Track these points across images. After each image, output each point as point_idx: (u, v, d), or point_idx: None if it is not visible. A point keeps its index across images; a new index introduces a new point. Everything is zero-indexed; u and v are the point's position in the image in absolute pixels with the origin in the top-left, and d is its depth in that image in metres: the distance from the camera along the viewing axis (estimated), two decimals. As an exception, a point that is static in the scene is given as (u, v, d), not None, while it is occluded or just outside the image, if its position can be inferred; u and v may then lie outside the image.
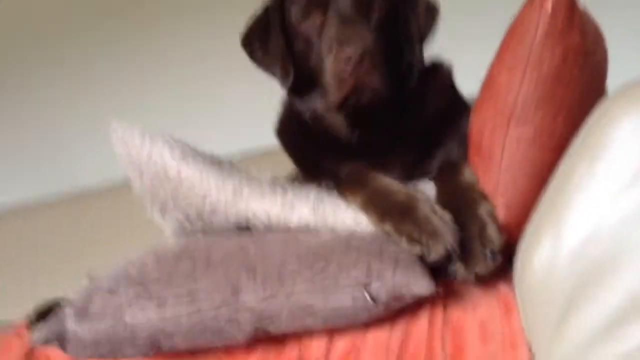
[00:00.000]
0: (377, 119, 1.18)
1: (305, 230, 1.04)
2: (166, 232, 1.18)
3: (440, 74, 1.27)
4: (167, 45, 2.57)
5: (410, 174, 1.17)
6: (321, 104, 1.21)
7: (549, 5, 0.90)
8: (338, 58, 1.08)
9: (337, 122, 1.21)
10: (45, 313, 1.07)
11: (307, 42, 1.18)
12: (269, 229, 1.07)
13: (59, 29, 2.74)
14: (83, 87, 2.70)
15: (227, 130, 2.26)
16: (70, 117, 2.72)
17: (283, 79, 1.22)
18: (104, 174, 1.92)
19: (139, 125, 1.14)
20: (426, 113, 1.21)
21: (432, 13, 1.24)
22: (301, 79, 1.22)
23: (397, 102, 1.18)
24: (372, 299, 0.89)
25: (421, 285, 0.90)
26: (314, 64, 1.16)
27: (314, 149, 1.26)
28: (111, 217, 1.99)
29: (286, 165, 1.32)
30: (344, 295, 0.90)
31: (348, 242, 0.97)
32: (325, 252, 0.95)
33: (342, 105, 1.14)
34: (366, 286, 0.90)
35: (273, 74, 1.24)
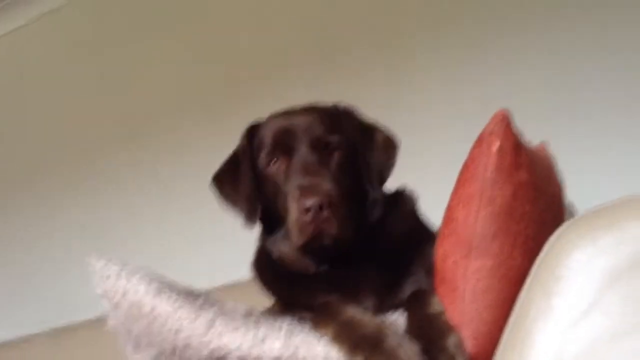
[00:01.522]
0: (342, 254, 1.21)
1: (278, 364, 1.04)
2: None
3: (403, 202, 1.31)
4: (151, 184, 2.67)
5: (382, 303, 1.18)
6: (286, 245, 1.25)
7: (495, 147, 0.97)
8: (299, 208, 1.14)
9: (302, 261, 1.24)
10: None
11: (274, 185, 1.24)
12: (242, 363, 1.06)
13: (43, 162, 2.85)
14: (64, 225, 2.77)
15: (209, 263, 2.29)
16: (55, 253, 2.76)
17: (248, 219, 1.27)
18: (88, 311, 1.92)
19: (122, 258, 1.18)
20: (391, 241, 1.25)
21: (390, 148, 1.31)
22: (269, 219, 1.27)
23: (361, 235, 1.22)
24: None
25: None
26: (280, 206, 1.22)
27: (286, 284, 1.28)
28: (91, 354, 1.96)
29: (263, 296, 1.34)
30: None
31: (318, 378, 0.96)
32: (295, 389, 0.94)
33: (304, 249, 1.19)
34: None
35: (239, 213, 1.29)
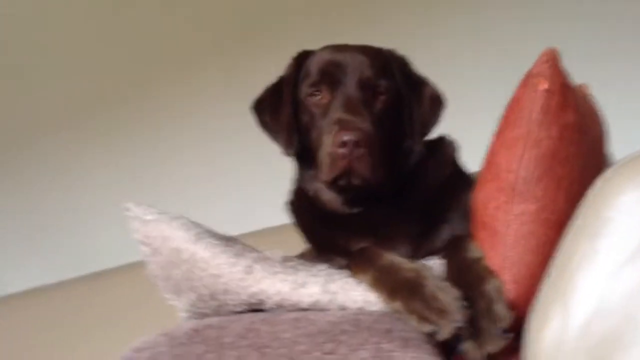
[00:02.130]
0: (374, 197, 1.20)
1: (316, 309, 1.06)
2: (180, 312, 1.20)
3: (443, 149, 1.29)
4: (184, 128, 2.66)
5: (418, 248, 1.18)
6: (317, 180, 1.23)
7: (542, 88, 0.94)
8: (335, 140, 1.12)
9: (332, 198, 1.23)
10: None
11: (312, 117, 1.22)
12: (281, 307, 1.08)
13: (74, 111, 2.86)
14: (99, 170, 2.80)
15: (241, 210, 2.30)
16: (88, 199, 2.80)
17: (286, 148, 1.26)
18: (123, 255, 1.96)
19: (155, 206, 1.19)
20: (428, 187, 1.23)
21: (437, 104, 1.28)
22: (305, 156, 1.25)
23: (397, 179, 1.20)
24: (382, 380, 0.89)
25: (430, 365, 0.90)
26: (315, 139, 1.20)
27: (322, 225, 1.28)
28: (129, 298, 2.01)
29: (299, 241, 1.34)
30: (354, 377, 0.90)
31: (357, 321, 0.97)
32: (334, 332, 0.96)
33: (332, 185, 1.17)
34: (376, 367, 0.90)
35: (277, 141, 1.28)
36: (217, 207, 2.40)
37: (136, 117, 2.76)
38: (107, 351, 1.13)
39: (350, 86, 1.19)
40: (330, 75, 1.21)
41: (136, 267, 1.30)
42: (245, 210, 2.21)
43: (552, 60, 0.95)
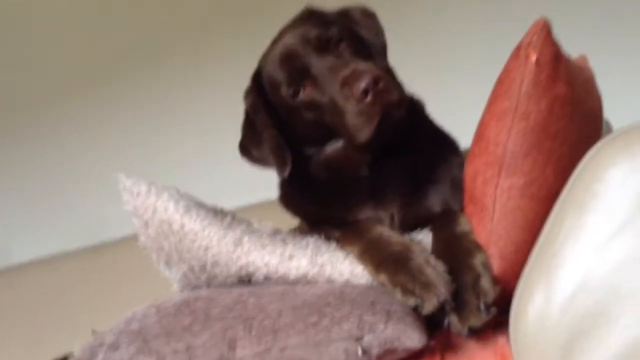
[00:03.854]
0: (390, 150, 1.17)
1: (303, 281, 1.06)
2: (173, 283, 1.21)
3: (414, 107, 1.25)
4: (175, 102, 2.67)
5: (409, 212, 1.17)
6: (338, 150, 1.19)
7: (533, 58, 0.92)
8: (356, 96, 1.07)
9: (357, 159, 1.19)
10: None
11: (316, 107, 1.16)
12: (269, 280, 1.09)
13: (77, 81, 2.87)
14: (96, 145, 2.82)
15: (232, 183, 2.31)
16: (85, 172, 2.82)
17: (281, 168, 1.21)
18: (120, 228, 1.98)
19: (147, 177, 1.19)
20: (412, 143, 1.20)
21: (370, 17, 1.26)
22: (307, 144, 1.23)
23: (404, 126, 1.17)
24: (364, 352, 0.90)
25: (413, 338, 0.90)
26: (330, 120, 1.15)
27: (318, 199, 1.27)
28: (125, 269, 2.04)
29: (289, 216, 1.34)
30: (337, 350, 0.91)
31: (342, 294, 0.98)
32: (319, 304, 0.96)
33: (377, 134, 1.10)
34: (358, 339, 0.91)
35: (271, 167, 1.24)
36: (215, 178, 2.41)
37: (138, 88, 2.76)
38: (106, 321, 1.14)
39: (316, 58, 1.15)
40: (295, 66, 1.16)
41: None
42: (242, 183, 2.21)
43: (543, 31, 0.92)
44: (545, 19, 0.94)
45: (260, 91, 1.24)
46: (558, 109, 0.93)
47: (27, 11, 2.88)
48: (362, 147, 1.13)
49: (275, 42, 1.23)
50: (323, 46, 1.16)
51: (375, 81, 1.06)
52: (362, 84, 1.06)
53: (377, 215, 1.17)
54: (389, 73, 1.19)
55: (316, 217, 1.27)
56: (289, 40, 1.19)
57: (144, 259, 1.26)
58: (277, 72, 1.19)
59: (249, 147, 1.27)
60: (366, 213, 1.18)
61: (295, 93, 1.17)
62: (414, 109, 1.24)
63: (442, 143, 1.23)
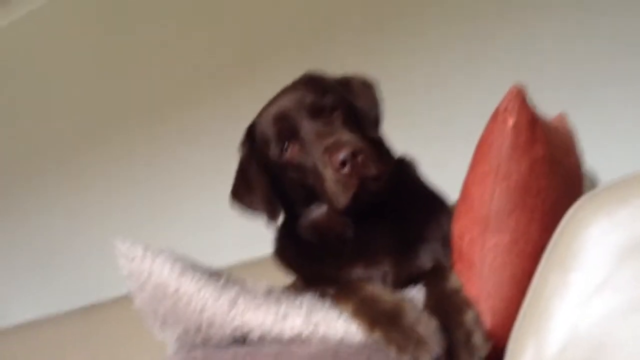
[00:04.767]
0: (374, 213, 1.20)
1: (298, 341, 1.07)
2: (168, 345, 1.22)
3: (406, 167, 1.31)
4: (170, 162, 2.70)
5: (401, 271, 1.19)
6: (323, 214, 1.24)
7: (510, 122, 0.97)
8: (334, 166, 1.12)
9: (341, 223, 1.23)
10: None
11: (297, 168, 1.22)
12: (263, 340, 1.10)
13: (72, 144, 2.91)
14: (98, 203, 2.83)
15: (228, 242, 2.33)
16: (79, 235, 2.83)
17: (270, 218, 1.26)
18: (113, 289, 1.98)
19: (143, 239, 1.21)
20: (401, 202, 1.24)
21: (369, 89, 1.31)
22: (295, 202, 1.27)
23: (386, 193, 1.20)
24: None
25: (408, 397, 0.91)
26: (312, 182, 1.20)
27: (310, 258, 1.29)
28: (121, 329, 2.03)
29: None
30: (333, 411, 0.92)
31: (337, 354, 0.99)
32: (315, 365, 0.97)
33: (353, 203, 1.15)
34: (354, 400, 0.91)
35: (260, 215, 1.28)
36: (211, 236, 2.43)
37: (131, 149, 2.80)
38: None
39: (307, 122, 1.21)
40: (285, 127, 1.22)
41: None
42: (238, 240, 2.22)
43: (518, 98, 0.98)
44: (519, 85, 1.00)
45: (252, 145, 1.29)
46: (538, 169, 0.98)
47: (19, 72, 2.94)
48: (343, 211, 1.18)
49: (272, 101, 1.29)
50: (316, 112, 1.21)
51: (354, 154, 1.11)
52: (341, 156, 1.11)
53: (369, 275, 1.19)
54: (377, 145, 1.24)
55: (309, 275, 1.29)
56: (285, 102, 1.25)
57: (140, 320, 1.27)
58: (268, 129, 1.25)
59: (241, 194, 1.31)
60: (357, 273, 1.20)
61: (282, 151, 1.23)
62: (404, 170, 1.29)
63: (431, 202, 1.27)
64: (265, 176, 1.26)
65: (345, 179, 1.12)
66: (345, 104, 1.25)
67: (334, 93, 1.25)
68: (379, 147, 1.24)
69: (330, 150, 1.14)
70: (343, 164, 1.11)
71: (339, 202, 1.15)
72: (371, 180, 1.13)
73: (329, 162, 1.13)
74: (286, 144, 1.22)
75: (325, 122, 1.21)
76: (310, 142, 1.19)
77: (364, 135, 1.20)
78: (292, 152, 1.22)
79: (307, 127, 1.20)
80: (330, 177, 1.15)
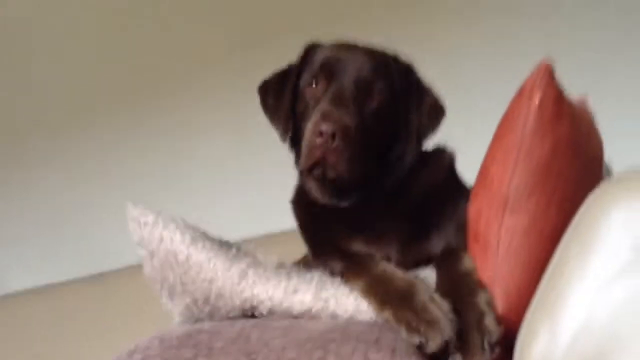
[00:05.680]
0: (358, 193, 1.21)
1: (307, 316, 1.06)
2: (175, 315, 1.21)
3: (440, 157, 1.30)
4: (183, 133, 2.69)
5: (406, 249, 1.19)
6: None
7: (536, 99, 0.94)
8: (314, 130, 1.13)
9: (312, 188, 1.26)
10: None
11: (306, 107, 1.24)
12: (272, 313, 1.09)
13: (82, 110, 2.89)
14: (106, 170, 2.83)
15: (240, 214, 2.32)
16: (90, 199, 2.83)
17: (283, 133, 1.29)
18: (124, 257, 1.98)
19: (154, 207, 1.20)
20: (419, 189, 1.24)
21: (437, 114, 1.28)
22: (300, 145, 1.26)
23: (387, 180, 1.22)
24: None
25: (417, 376, 0.90)
26: (304, 128, 1.21)
27: (316, 220, 1.29)
28: (134, 298, 2.03)
29: (295, 247, 1.35)
30: (341, 386, 0.91)
31: (347, 330, 0.98)
32: (324, 340, 0.96)
33: (309, 174, 1.19)
34: (362, 377, 0.90)
35: (276, 125, 1.30)
36: (223, 209, 2.41)
37: (145, 118, 2.79)
38: (107, 353, 1.14)
39: (345, 82, 1.21)
40: (329, 69, 1.23)
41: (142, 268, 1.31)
42: (250, 214, 2.22)
43: (546, 74, 0.95)
44: (548, 62, 0.97)
45: (305, 60, 1.30)
46: (561, 150, 0.95)
47: (24, 41, 2.92)
48: (306, 174, 1.21)
49: (348, 45, 1.28)
50: (360, 83, 1.21)
51: (332, 136, 1.12)
52: (322, 126, 1.12)
53: (368, 251, 1.19)
54: (388, 153, 1.23)
55: (318, 242, 1.29)
56: (352, 54, 1.25)
57: (149, 289, 1.26)
58: (318, 59, 1.27)
59: (269, 91, 1.33)
60: (357, 247, 1.20)
61: (309, 83, 1.25)
62: (435, 159, 1.29)
63: (453, 192, 1.25)
64: (294, 94, 1.28)
65: (312, 145, 1.14)
66: (393, 101, 1.23)
67: (393, 85, 1.24)
68: (385, 156, 1.23)
69: (323, 115, 1.14)
70: (320, 134, 1.12)
71: (301, 162, 1.18)
72: (331, 167, 1.14)
73: (313, 122, 1.15)
74: (316, 81, 1.23)
75: (359, 95, 1.20)
76: (328, 96, 1.19)
77: (384, 134, 1.20)
78: (313, 90, 1.23)
79: (340, 85, 1.20)
80: (306, 135, 1.16)
